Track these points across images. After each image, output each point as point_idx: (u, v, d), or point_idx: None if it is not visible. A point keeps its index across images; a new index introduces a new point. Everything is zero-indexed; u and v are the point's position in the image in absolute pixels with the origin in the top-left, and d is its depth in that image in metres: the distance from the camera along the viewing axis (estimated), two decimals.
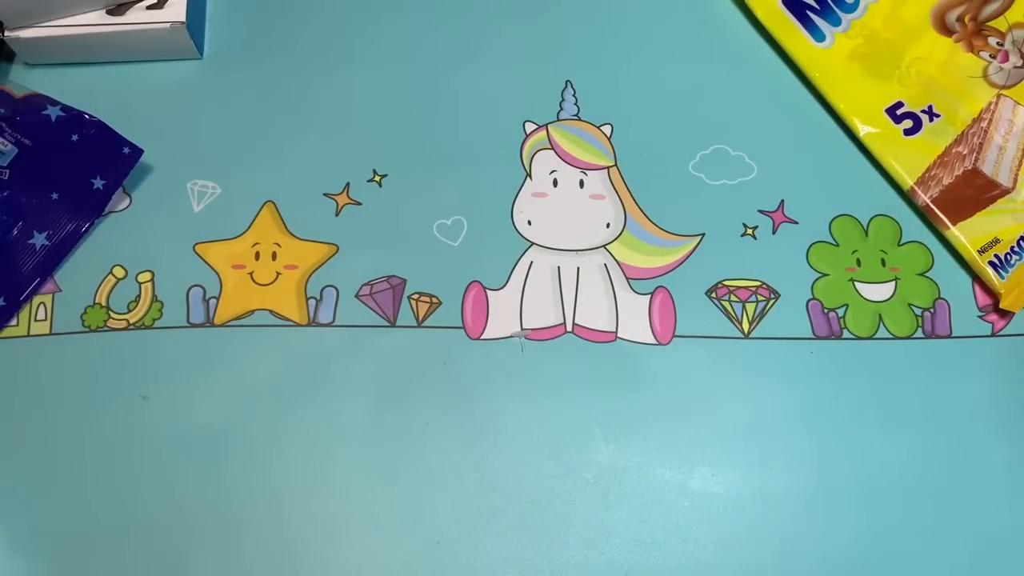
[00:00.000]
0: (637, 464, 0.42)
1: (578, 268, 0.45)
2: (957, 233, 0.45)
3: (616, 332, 0.44)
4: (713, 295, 0.45)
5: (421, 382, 0.43)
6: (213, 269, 0.45)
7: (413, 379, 0.43)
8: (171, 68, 0.49)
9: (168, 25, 0.46)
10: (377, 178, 0.47)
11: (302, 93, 0.48)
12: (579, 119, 0.48)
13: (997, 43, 0.48)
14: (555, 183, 0.47)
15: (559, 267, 0.45)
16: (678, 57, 0.49)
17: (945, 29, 0.48)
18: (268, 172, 0.47)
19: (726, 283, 0.45)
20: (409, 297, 0.44)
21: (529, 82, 0.48)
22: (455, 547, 0.40)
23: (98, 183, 0.45)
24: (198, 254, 0.45)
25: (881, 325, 0.44)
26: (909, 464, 0.42)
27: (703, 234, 0.46)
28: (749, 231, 0.46)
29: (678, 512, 0.41)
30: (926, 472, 0.42)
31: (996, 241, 0.45)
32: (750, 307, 0.44)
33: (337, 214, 0.46)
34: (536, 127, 0.48)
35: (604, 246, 0.46)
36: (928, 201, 0.46)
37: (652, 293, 0.45)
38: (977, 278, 0.45)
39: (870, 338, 0.44)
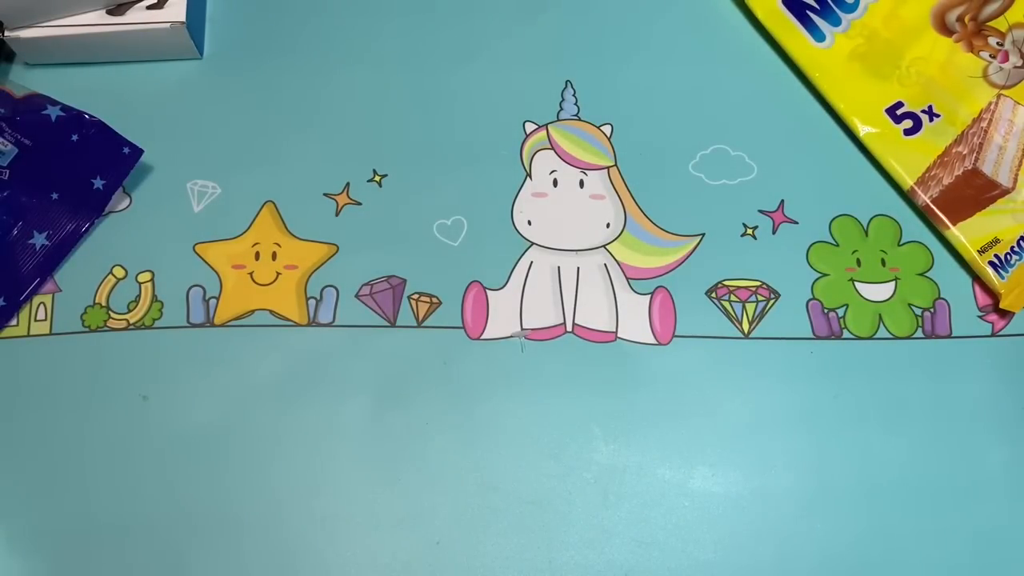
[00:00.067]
0: (637, 464, 0.42)
1: (578, 268, 0.45)
2: (957, 233, 0.45)
3: (616, 332, 0.44)
4: (713, 295, 0.45)
5: (421, 382, 0.43)
6: (213, 269, 0.45)
7: (413, 379, 0.43)
8: (171, 68, 0.49)
9: (168, 25, 0.46)
10: (377, 178, 0.47)
11: (302, 93, 0.48)
12: (579, 119, 0.48)
13: (997, 43, 0.48)
14: (555, 183, 0.47)
15: (559, 267, 0.45)
16: (678, 57, 0.49)
17: (945, 29, 0.48)
18: (268, 172, 0.47)
19: (726, 283, 0.45)
20: (409, 297, 0.44)
21: (529, 82, 0.48)
22: (455, 547, 0.40)
23: (98, 183, 0.45)
24: (198, 254, 0.45)
25: (881, 325, 0.44)
26: (909, 464, 0.42)
27: (703, 234, 0.46)
28: (749, 231, 0.46)
29: (678, 512, 0.41)
30: (926, 472, 0.42)
31: (996, 241, 0.45)
32: (750, 307, 0.44)
33: (337, 214, 0.46)
34: (536, 127, 0.48)
35: (604, 246, 0.46)
36: (928, 201, 0.46)
37: (652, 293, 0.45)
38: (977, 278, 0.45)
39: (870, 338, 0.44)
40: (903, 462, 0.42)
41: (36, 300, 0.44)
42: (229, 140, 0.47)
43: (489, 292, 0.44)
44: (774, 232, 0.46)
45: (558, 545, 0.41)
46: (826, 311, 0.45)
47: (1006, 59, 0.47)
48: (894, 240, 0.46)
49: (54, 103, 0.44)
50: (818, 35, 0.48)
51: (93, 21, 0.46)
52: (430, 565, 0.40)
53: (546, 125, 0.48)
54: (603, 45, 0.49)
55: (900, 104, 0.47)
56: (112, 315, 0.44)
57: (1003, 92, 0.47)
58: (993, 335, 0.45)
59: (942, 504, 0.41)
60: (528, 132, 0.48)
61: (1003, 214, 0.45)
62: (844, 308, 0.45)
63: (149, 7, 0.46)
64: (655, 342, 0.44)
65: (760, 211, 0.46)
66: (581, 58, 0.49)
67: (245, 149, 0.47)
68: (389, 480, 0.41)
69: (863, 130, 0.47)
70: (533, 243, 0.45)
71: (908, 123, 0.47)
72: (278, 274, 0.45)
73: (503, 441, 0.42)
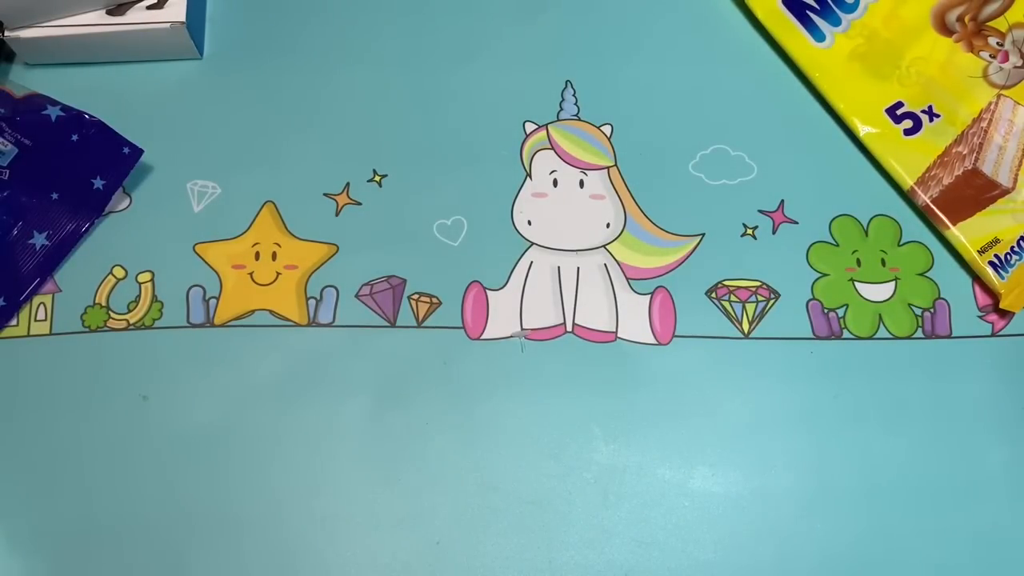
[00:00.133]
0: (637, 464, 0.42)
1: (578, 268, 0.45)
2: (957, 233, 0.45)
3: (616, 332, 0.44)
4: (713, 295, 0.45)
5: (421, 382, 0.43)
6: (213, 269, 0.45)
7: (413, 379, 0.43)
8: (171, 68, 0.49)
9: (168, 25, 0.46)
10: (377, 178, 0.47)
11: (302, 93, 0.48)
12: (579, 119, 0.48)
13: (997, 43, 0.48)
14: (555, 183, 0.47)
15: (559, 267, 0.45)
16: (678, 57, 0.49)
17: (945, 29, 0.48)
18: (268, 172, 0.47)
19: (726, 283, 0.45)
20: (409, 297, 0.44)
21: (529, 82, 0.48)
22: (455, 547, 0.40)
23: (98, 183, 0.45)
24: (198, 254, 0.45)
25: (881, 325, 0.44)
26: (909, 464, 0.42)
27: (703, 234, 0.46)
28: (749, 231, 0.46)
29: (678, 512, 0.41)
30: (926, 472, 0.42)
31: (996, 241, 0.45)
32: (750, 307, 0.44)
33: (337, 214, 0.46)
34: (536, 127, 0.48)
35: (604, 246, 0.46)
36: (928, 201, 0.46)
37: (652, 293, 0.45)
38: (977, 278, 0.45)
39: (870, 338, 0.44)
40: (903, 462, 0.42)
41: (36, 300, 0.44)
42: (229, 140, 0.47)
43: (489, 292, 0.44)
44: (774, 232, 0.46)
45: (558, 545, 0.41)
46: (826, 311, 0.45)
47: (1006, 59, 0.47)
48: (894, 240, 0.46)
49: (54, 103, 0.44)
50: (818, 35, 0.48)
51: (93, 21, 0.46)
52: (430, 565, 0.40)
53: (546, 125, 0.48)
54: (603, 45, 0.49)
55: (900, 104, 0.47)
56: (112, 315, 0.44)
57: (1003, 92, 0.47)
58: (993, 335, 0.45)
59: (942, 504, 0.41)
60: (528, 132, 0.48)
61: (1003, 214, 0.45)
62: (844, 308, 0.45)
63: (149, 7, 0.46)
64: (655, 342, 0.44)
65: (760, 211, 0.46)
66: (581, 58, 0.49)
67: (245, 149, 0.47)
68: (389, 480, 0.41)
69: (863, 130, 0.47)
70: (533, 243, 0.45)
71: (908, 123, 0.47)
72: (278, 274, 0.45)
73: (503, 441, 0.42)
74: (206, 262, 0.45)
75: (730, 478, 0.42)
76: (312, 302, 0.44)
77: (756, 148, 0.47)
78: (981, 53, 0.48)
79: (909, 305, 0.45)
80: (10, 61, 0.49)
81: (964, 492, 0.42)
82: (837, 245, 0.46)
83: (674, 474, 0.42)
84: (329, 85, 0.48)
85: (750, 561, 0.41)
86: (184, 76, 0.49)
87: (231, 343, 0.43)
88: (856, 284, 0.45)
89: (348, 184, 0.46)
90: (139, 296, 0.44)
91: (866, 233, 0.46)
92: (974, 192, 0.45)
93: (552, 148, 0.47)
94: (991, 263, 0.45)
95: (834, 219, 0.46)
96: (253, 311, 0.44)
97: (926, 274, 0.46)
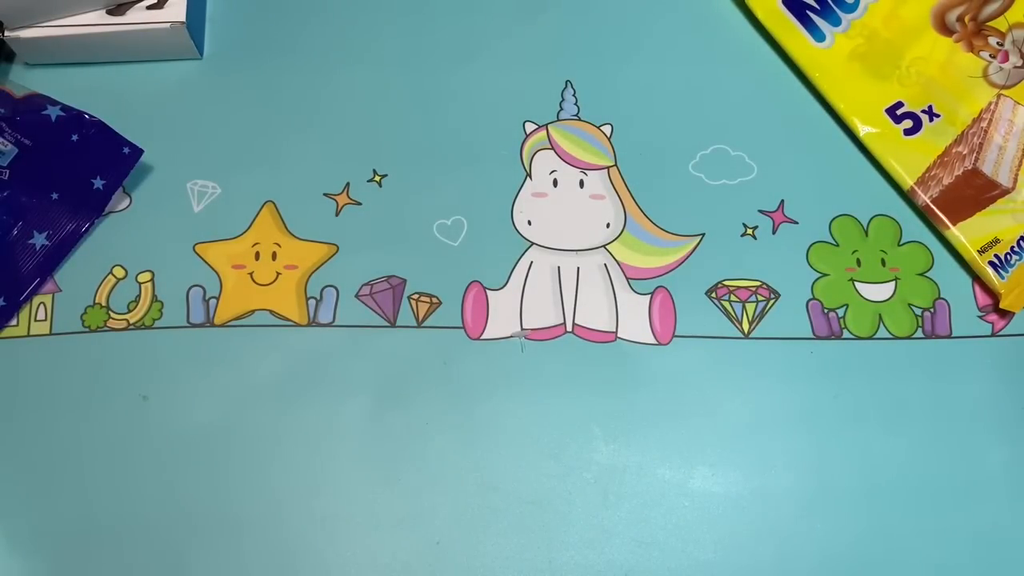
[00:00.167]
0: (637, 464, 0.42)
1: (578, 268, 0.45)
2: (957, 233, 0.45)
3: (616, 332, 0.44)
4: (713, 295, 0.45)
5: (421, 382, 0.43)
6: (213, 269, 0.45)
7: (413, 379, 0.43)
8: (171, 68, 0.49)
9: (168, 25, 0.46)
10: (377, 178, 0.47)
11: (302, 93, 0.48)
12: (579, 119, 0.48)
13: (997, 43, 0.48)
14: (555, 183, 0.47)
15: (559, 267, 0.45)
16: (678, 57, 0.49)
17: (945, 29, 0.48)
18: (268, 172, 0.47)
19: (726, 283, 0.45)
20: (409, 297, 0.44)
21: (529, 82, 0.48)
22: (455, 547, 0.40)
23: (98, 183, 0.45)
24: (198, 254, 0.45)
25: (881, 325, 0.44)
26: (909, 464, 0.42)
27: (703, 234, 0.46)
28: (749, 231, 0.46)
29: (678, 512, 0.41)
30: (926, 472, 0.42)
31: (996, 241, 0.45)
32: (750, 307, 0.44)
33: (337, 214, 0.46)
34: (536, 127, 0.48)
35: (604, 246, 0.46)
36: (928, 201, 0.46)
37: (652, 293, 0.45)
38: (977, 278, 0.45)
39: (870, 338, 0.44)
40: (903, 462, 0.42)
41: (36, 300, 0.44)
42: (229, 140, 0.47)
43: (489, 292, 0.44)
44: (774, 232, 0.46)
45: (558, 545, 0.41)
46: (826, 311, 0.45)
47: (1006, 59, 0.47)
48: (894, 240, 0.46)
49: (54, 103, 0.44)
50: (818, 35, 0.48)
51: (93, 21, 0.46)
52: (430, 565, 0.40)
53: (546, 125, 0.48)
54: (603, 45, 0.49)
55: (900, 104, 0.47)
56: (112, 315, 0.44)
57: (1003, 92, 0.47)
58: (993, 335, 0.45)
59: (942, 504, 0.41)
60: (528, 132, 0.48)
61: (1003, 214, 0.45)
62: (844, 308, 0.45)
63: (149, 7, 0.46)
64: (655, 342, 0.44)
65: (760, 211, 0.46)
66: (581, 58, 0.49)
67: (245, 149, 0.47)
68: (389, 480, 0.41)
69: (863, 130, 0.47)
70: (533, 243, 0.45)
71: (908, 123, 0.47)
72: (278, 274, 0.45)
73: (503, 441, 0.42)
74: (206, 262, 0.45)
75: (730, 478, 0.42)
76: (312, 302, 0.44)
77: (756, 148, 0.47)
78: (981, 53, 0.48)
79: (909, 305, 0.45)
80: (10, 61, 0.49)
81: (964, 492, 0.42)
82: (837, 245, 0.46)
83: (674, 474, 0.42)
84: (329, 85, 0.48)
85: (750, 561, 0.41)
86: (184, 76, 0.49)
87: (231, 343, 0.43)
88: (856, 284, 0.45)
89: (348, 184, 0.46)
90: (139, 296, 0.44)
91: (866, 233, 0.46)
92: (974, 192, 0.45)
93: (552, 148, 0.47)
94: (991, 263, 0.45)
95: (834, 219, 0.46)
96: (253, 311, 0.44)
97: (926, 274, 0.46)
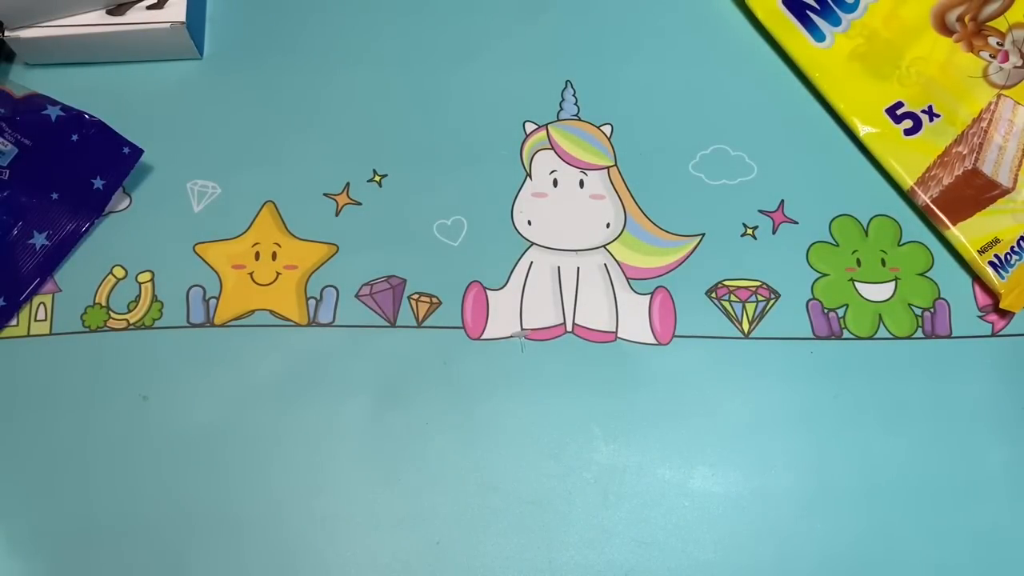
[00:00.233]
0: (637, 464, 0.42)
1: (578, 268, 0.45)
2: (957, 233, 0.45)
3: (616, 332, 0.44)
4: (713, 295, 0.45)
5: (421, 382, 0.43)
6: (213, 269, 0.45)
7: (413, 379, 0.43)
8: (171, 68, 0.49)
9: (168, 25, 0.46)
10: (377, 178, 0.47)
11: (302, 93, 0.48)
12: (579, 119, 0.48)
13: (997, 43, 0.48)
14: (555, 183, 0.47)
15: (559, 267, 0.45)
16: (678, 57, 0.49)
17: (945, 29, 0.48)
18: (268, 172, 0.47)
19: (726, 283, 0.45)
20: (409, 297, 0.44)
21: (529, 82, 0.48)
22: (455, 547, 0.40)
23: (98, 183, 0.45)
24: (198, 254, 0.45)
25: (881, 325, 0.44)
26: (909, 464, 0.42)
27: (703, 234, 0.46)
28: (749, 231, 0.46)
29: (678, 512, 0.41)
30: (926, 472, 0.42)
31: (996, 241, 0.45)
32: (750, 307, 0.44)
33: (337, 214, 0.46)
34: (536, 127, 0.48)
35: (604, 246, 0.46)
36: (928, 201, 0.46)
37: (652, 293, 0.45)
38: (977, 278, 0.45)
39: (870, 338, 0.44)
40: (903, 462, 0.42)
41: (36, 300, 0.44)
42: (229, 140, 0.47)
43: (489, 292, 0.44)
44: (774, 232, 0.46)
45: (558, 545, 0.41)
46: (826, 311, 0.45)
47: (1006, 59, 0.47)
48: (894, 240, 0.46)
49: (54, 103, 0.44)
50: (818, 35, 0.48)
51: (93, 21, 0.46)
52: (430, 565, 0.40)
53: (546, 125, 0.48)
54: (603, 45, 0.49)
55: (900, 104, 0.47)
56: (112, 315, 0.44)
57: (1003, 92, 0.47)
58: (993, 335, 0.45)
59: (942, 504, 0.41)
60: (528, 132, 0.48)
61: (1003, 214, 0.45)
62: (844, 308, 0.45)
63: (149, 7, 0.46)
64: (655, 342, 0.44)
65: (760, 211, 0.46)
66: (581, 58, 0.49)
67: (245, 149, 0.47)
68: (389, 480, 0.41)
69: (863, 130, 0.47)
70: (533, 243, 0.45)
71: (908, 123, 0.47)
72: (278, 274, 0.45)
73: (503, 441, 0.42)
74: (206, 262, 0.45)
75: (730, 478, 0.42)
76: (312, 302, 0.44)
77: (756, 148, 0.47)
78: (981, 53, 0.48)
79: (909, 305, 0.45)
80: (10, 61, 0.49)
81: (964, 492, 0.42)
82: (837, 245, 0.46)
83: (674, 474, 0.42)
84: (329, 85, 0.48)
85: (750, 561, 0.41)
86: (184, 76, 0.49)
87: (231, 343, 0.43)
88: (856, 284, 0.45)
89: (348, 184, 0.46)
90: (139, 296, 0.44)
91: (866, 233, 0.46)
92: (974, 192, 0.45)
93: (552, 148, 0.47)
94: (991, 263, 0.45)
95: (834, 219, 0.46)
96: (253, 311, 0.44)
97: (926, 274, 0.46)
